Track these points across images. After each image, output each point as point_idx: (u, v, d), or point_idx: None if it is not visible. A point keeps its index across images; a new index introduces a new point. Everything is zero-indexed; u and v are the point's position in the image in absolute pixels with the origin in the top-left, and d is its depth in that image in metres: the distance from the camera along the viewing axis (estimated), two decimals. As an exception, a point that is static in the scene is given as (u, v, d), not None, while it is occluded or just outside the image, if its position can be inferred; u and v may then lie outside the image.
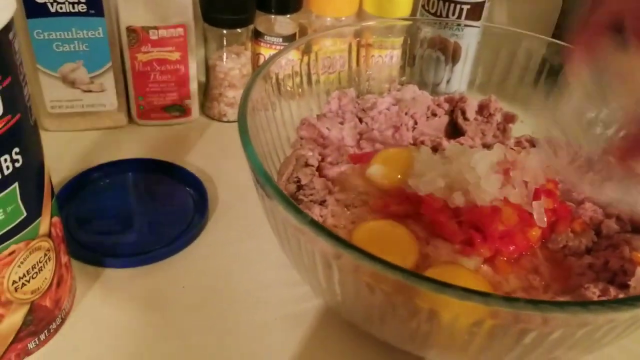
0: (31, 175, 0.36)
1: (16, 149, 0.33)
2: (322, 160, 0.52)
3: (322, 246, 0.36)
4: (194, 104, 0.66)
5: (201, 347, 0.43)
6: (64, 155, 0.59)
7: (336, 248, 0.33)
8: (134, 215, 0.54)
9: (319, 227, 0.34)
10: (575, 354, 0.37)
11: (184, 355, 0.43)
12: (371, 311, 0.38)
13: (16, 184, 0.34)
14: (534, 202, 0.45)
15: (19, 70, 0.33)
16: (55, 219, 0.39)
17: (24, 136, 0.34)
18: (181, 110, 0.65)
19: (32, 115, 0.35)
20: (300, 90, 0.56)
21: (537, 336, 0.34)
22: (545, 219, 0.45)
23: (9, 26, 0.32)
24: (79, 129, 0.63)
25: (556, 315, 0.32)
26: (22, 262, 0.36)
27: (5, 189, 0.33)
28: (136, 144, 0.63)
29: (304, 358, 0.44)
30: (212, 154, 0.62)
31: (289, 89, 0.54)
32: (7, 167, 0.33)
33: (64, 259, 0.41)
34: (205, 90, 0.68)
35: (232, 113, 0.67)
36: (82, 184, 0.55)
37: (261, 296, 0.47)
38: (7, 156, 0.33)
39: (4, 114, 0.32)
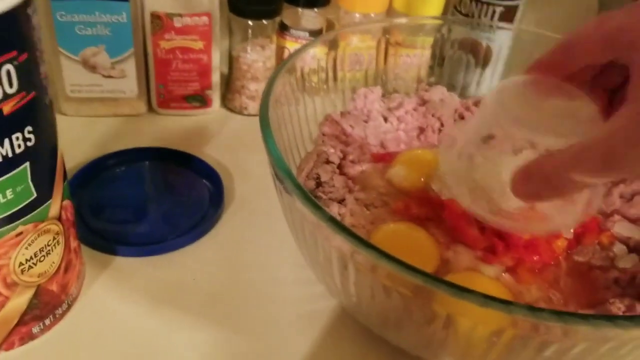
0: (43, 156, 0.35)
1: (29, 128, 0.32)
2: (344, 158, 0.50)
3: (339, 245, 0.34)
4: (215, 95, 0.65)
5: (209, 342, 0.42)
6: (81, 140, 0.58)
7: (355, 247, 0.32)
8: (148, 204, 0.53)
9: (338, 225, 0.33)
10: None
11: (191, 349, 0.42)
12: (387, 315, 0.37)
13: (27, 164, 0.33)
14: (560, 212, 0.43)
15: (37, 47, 0.32)
16: (67, 203, 0.38)
17: (37, 115, 0.33)
18: (202, 100, 0.64)
19: (47, 95, 0.34)
20: (325, 86, 0.55)
21: (559, 349, 0.32)
22: (572, 230, 0.43)
23: (27, 1, 0.31)
24: (97, 114, 0.62)
25: (580, 328, 0.30)
26: (29, 244, 0.35)
27: (16, 168, 0.33)
28: (154, 132, 0.62)
29: (316, 358, 0.42)
30: (231, 147, 0.61)
31: (313, 84, 0.53)
32: (19, 146, 0.32)
33: (74, 244, 0.40)
34: (227, 81, 0.67)
35: (254, 106, 0.66)
36: (98, 170, 0.55)
37: (274, 293, 0.46)
38: (19, 134, 0.32)
39: (19, 91, 0.31)
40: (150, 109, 0.64)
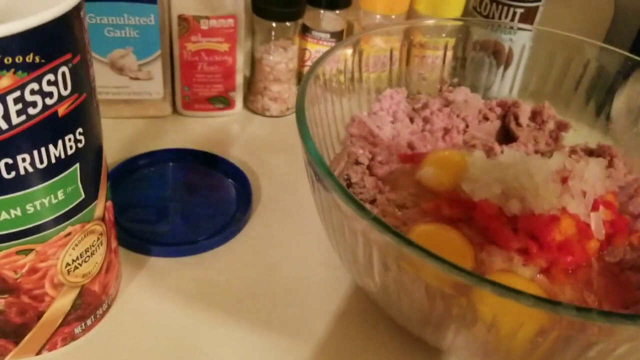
0: (91, 157, 0.35)
1: (80, 130, 0.33)
2: (372, 159, 0.51)
3: (383, 244, 0.35)
4: (239, 97, 0.65)
5: (242, 340, 0.43)
6: (107, 142, 0.58)
7: (401, 246, 0.32)
8: (176, 205, 0.53)
9: (382, 224, 0.33)
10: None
11: (224, 346, 0.42)
12: (427, 315, 0.37)
13: (77, 165, 0.34)
14: (592, 213, 0.44)
15: (88, 49, 0.33)
16: (109, 203, 0.39)
17: (88, 117, 0.34)
18: (225, 102, 0.65)
19: (95, 97, 0.35)
20: (350, 87, 0.55)
21: (603, 350, 0.33)
22: (604, 231, 0.44)
23: (80, 4, 0.31)
24: (123, 116, 0.62)
25: (628, 328, 0.31)
26: (76, 245, 0.36)
27: (67, 169, 0.33)
28: (179, 134, 0.62)
29: (348, 355, 0.43)
30: (255, 147, 0.62)
31: (340, 85, 0.53)
32: (71, 147, 0.32)
33: (114, 244, 0.41)
34: (250, 83, 0.67)
35: (276, 107, 0.66)
36: (126, 172, 0.55)
37: (305, 293, 0.47)
38: (71, 136, 0.32)
39: (72, 93, 0.31)
40: (174, 110, 0.65)
